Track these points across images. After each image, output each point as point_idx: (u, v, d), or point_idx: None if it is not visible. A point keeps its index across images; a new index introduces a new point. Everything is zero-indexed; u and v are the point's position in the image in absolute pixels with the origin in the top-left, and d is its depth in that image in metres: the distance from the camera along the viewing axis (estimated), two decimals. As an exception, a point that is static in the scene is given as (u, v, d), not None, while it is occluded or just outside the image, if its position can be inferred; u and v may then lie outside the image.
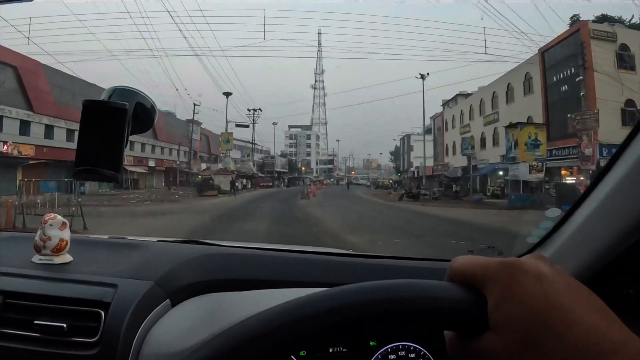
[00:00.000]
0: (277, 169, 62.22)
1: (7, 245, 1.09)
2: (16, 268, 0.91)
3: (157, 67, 70.04)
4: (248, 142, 51.83)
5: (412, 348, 0.79)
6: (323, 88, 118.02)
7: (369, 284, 0.42)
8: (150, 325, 0.83)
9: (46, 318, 0.78)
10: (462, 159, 38.35)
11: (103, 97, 0.59)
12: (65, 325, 0.77)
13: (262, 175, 56.65)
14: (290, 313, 0.40)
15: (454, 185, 37.71)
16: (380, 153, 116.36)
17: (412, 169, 61.27)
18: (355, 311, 0.40)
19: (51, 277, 0.89)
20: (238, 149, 53.61)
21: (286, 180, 64.71)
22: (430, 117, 50.99)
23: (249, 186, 44.23)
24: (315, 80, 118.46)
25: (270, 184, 55.14)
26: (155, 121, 0.64)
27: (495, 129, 32.99)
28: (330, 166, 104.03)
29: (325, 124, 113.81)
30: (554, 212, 1.04)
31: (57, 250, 0.96)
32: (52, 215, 0.99)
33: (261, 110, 46.89)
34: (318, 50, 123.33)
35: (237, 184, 33.32)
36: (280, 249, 1.25)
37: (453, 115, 43.23)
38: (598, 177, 0.69)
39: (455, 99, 45.70)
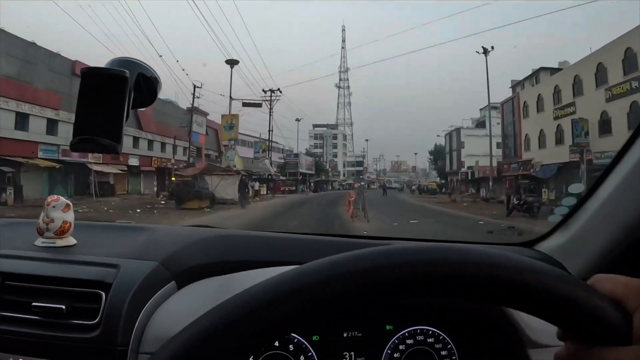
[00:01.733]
0: (301, 170, 50.89)
1: (11, 229, 1.08)
2: (18, 250, 0.90)
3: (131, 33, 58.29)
4: (264, 139, 41.26)
5: (430, 332, 0.76)
6: (348, 87, 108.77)
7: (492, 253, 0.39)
8: (154, 307, 0.80)
9: (45, 300, 0.76)
10: (555, 153, 27.34)
11: (105, 65, 0.58)
12: (64, 307, 0.75)
13: (284, 177, 46.20)
14: (369, 259, 0.37)
15: (544, 190, 26.72)
16: (415, 153, 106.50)
17: (463, 169, 50.27)
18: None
19: (52, 259, 0.87)
20: (250, 146, 43.00)
21: (312, 183, 53.69)
22: (490, 106, 39.41)
23: (265, 192, 33.43)
24: (340, 79, 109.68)
25: (294, 188, 44.02)
26: (158, 94, 0.63)
27: (633, 104, 21.63)
28: (360, 168, 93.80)
29: (351, 124, 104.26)
30: (578, 188, 0.79)
31: (61, 232, 0.94)
32: (55, 197, 0.96)
33: (280, 92, 35.74)
34: (342, 48, 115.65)
35: (248, 189, 22.73)
36: (292, 232, 1.24)
37: (538, 95, 31.88)
38: (622, 150, 0.69)
39: (536, 75, 34.41)
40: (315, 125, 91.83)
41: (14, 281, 0.79)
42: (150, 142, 31.43)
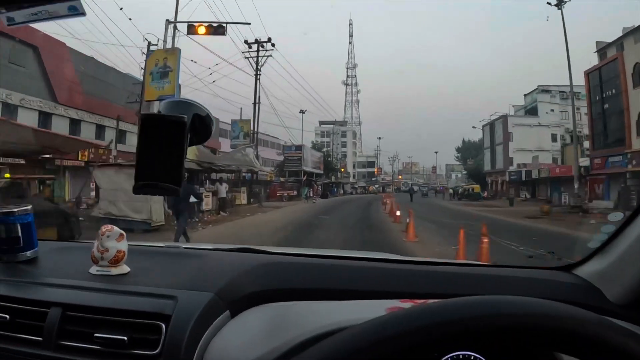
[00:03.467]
0: (306, 169, 38.83)
1: (66, 255, 1.14)
2: (74, 280, 0.94)
3: None
4: (246, 120, 27.88)
5: (472, 358, 0.77)
6: (356, 84, 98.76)
7: None
8: (211, 336, 0.84)
9: (106, 330, 0.80)
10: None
11: (160, 109, 0.61)
12: (126, 338, 0.79)
13: (283, 179, 35.20)
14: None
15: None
16: (436, 152, 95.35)
17: (512, 168, 39.32)
18: None
19: (109, 289, 0.91)
20: (225, 136, 30.45)
21: (320, 187, 42.25)
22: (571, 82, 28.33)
23: (245, 200, 21.38)
24: (347, 76, 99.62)
25: (295, 193, 32.34)
26: (212, 131, 0.66)
27: None
28: (372, 169, 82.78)
29: (359, 123, 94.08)
30: (616, 216, 1.07)
31: (115, 261, 0.98)
32: (109, 226, 1.00)
33: (273, 45, 23.77)
34: (349, 43, 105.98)
35: (201, 202, 11.89)
36: (339, 255, 1.26)
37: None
38: None
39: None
40: (321, 122, 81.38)
41: (74, 312, 0.83)
42: (76, 123, 20.76)
